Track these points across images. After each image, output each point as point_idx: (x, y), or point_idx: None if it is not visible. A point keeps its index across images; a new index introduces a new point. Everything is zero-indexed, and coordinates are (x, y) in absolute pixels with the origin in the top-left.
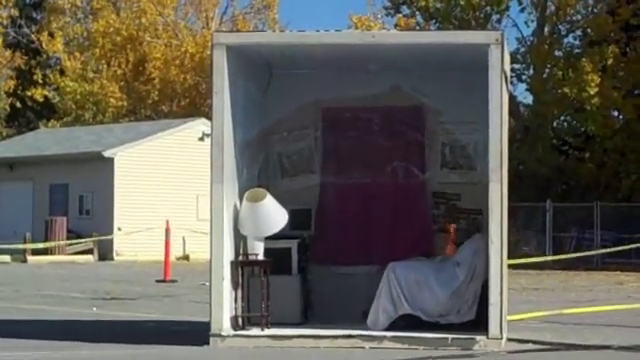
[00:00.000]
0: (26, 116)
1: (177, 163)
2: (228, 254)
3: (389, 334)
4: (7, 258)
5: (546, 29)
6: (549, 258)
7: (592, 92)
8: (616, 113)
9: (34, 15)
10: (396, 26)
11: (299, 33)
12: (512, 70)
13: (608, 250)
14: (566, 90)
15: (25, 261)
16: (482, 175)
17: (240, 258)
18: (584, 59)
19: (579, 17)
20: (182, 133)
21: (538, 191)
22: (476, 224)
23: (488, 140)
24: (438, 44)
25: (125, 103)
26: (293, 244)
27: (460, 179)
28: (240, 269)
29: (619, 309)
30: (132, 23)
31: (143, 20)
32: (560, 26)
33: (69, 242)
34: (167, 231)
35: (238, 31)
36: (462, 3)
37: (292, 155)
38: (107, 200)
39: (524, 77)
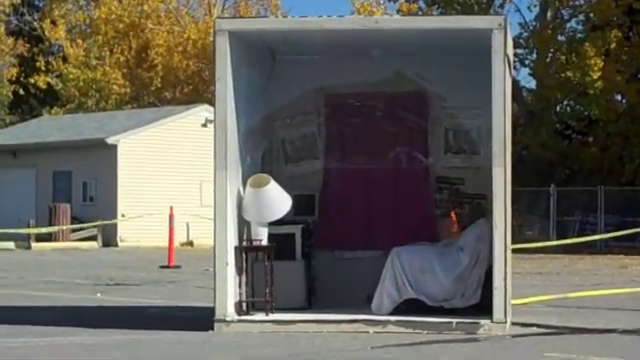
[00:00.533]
0: (29, 103)
1: (180, 150)
2: (232, 240)
3: (393, 318)
4: (11, 245)
5: (549, 14)
6: (553, 243)
7: (595, 76)
8: (619, 97)
9: (36, 3)
10: (398, 11)
11: (301, 19)
12: (515, 55)
13: (612, 235)
14: (569, 74)
15: (29, 248)
16: (486, 160)
17: (244, 244)
18: (587, 43)
19: (582, 1)
20: (185, 120)
21: (541, 176)
22: (480, 209)
23: (491, 125)
24: (441, 29)
25: (128, 90)
26: (297, 229)
27: (463, 164)
28: (244, 254)
29: (623, 293)
30: (134, 10)
31: (145, 7)
32: (563, 11)
33: (73, 227)
34: (171, 217)
35: (240, 17)
36: None
37: (295, 141)
38: (111, 187)
39: (527, 62)
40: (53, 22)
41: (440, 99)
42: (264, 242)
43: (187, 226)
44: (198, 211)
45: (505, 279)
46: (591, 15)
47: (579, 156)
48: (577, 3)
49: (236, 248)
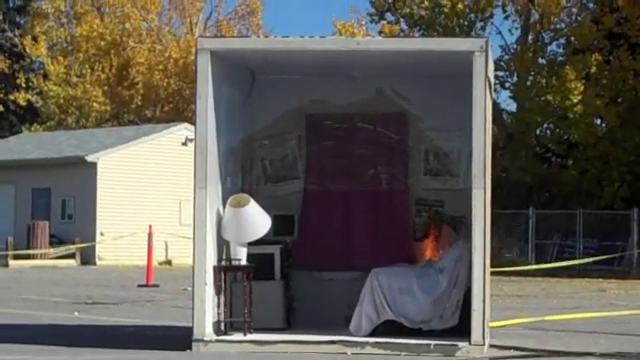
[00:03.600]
0: (9, 120)
1: (160, 168)
2: (211, 259)
3: (371, 340)
4: None
5: (530, 37)
6: (533, 267)
7: (575, 100)
8: (599, 121)
9: (18, 19)
10: (380, 33)
11: (283, 39)
12: (496, 77)
13: (591, 259)
14: (549, 98)
15: (7, 265)
16: (465, 182)
17: (223, 263)
18: (567, 67)
19: (563, 25)
20: (165, 138)
21: (521, 198)
22: (460, 228)
23: (471, 147)
24: (423, 51)
25: (108, 108)
26: (276, 250)
27: (443, 186)
28: (223, 274)
29: (601, 316)
30: (116, 28)
31: (127, 25)
32: (544, 34)
33: (53, 250)
34: (150, 236)
35: (222, 36)
36: (446, 10)
37: (276, 161)
38: (90, 205)
39: (507, 85)
40: (34, 39)
41: (420, 121)
42: (243, 262)
43: (166, 245)
44: (177, 230)
45: (484, 301)
46: (572, 39)
47: (558, 179)
48: (558, 27)
49: (215, 268)
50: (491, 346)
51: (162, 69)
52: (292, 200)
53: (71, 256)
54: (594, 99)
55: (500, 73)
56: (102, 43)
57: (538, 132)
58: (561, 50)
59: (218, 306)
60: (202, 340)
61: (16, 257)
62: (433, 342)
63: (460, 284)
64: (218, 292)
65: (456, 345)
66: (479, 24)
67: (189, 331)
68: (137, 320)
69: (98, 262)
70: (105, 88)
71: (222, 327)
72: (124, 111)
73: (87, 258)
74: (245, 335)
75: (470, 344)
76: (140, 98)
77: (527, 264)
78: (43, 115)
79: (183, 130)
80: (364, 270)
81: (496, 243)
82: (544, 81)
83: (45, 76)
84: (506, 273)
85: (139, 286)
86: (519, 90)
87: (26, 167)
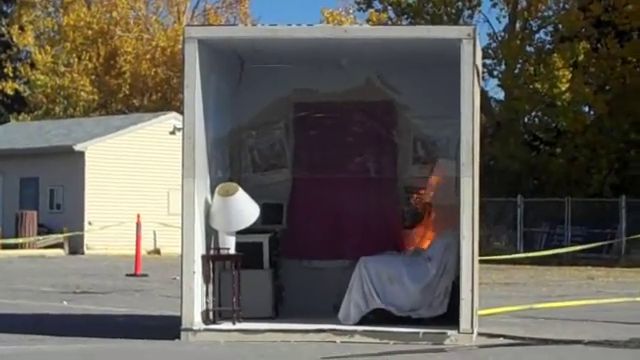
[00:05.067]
0: None
1: (148, 157)
2: (199, 248)
3: (360, 328)
4: None
5: (517, 25)
6: (521, 255)
7: (563, 88)
8: (587, 109)
9: (5, 8)
10: (368, 21)
11: (271, 27)
12: (483, 65)
13: (580, 247)
14: (537, 86)
15: None
16: (454, 170)
17: (211, 252)
18: (555, 55)
19: (550, 13)
20: (153, 127)
21: (509, 186)
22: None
23: (460, 135)
24: (411, 39)
25: (96, 97)
26: (265, 238)
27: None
28: (211, 263)
29: (589, 304)
30: (103, 17)
31: (114, 14)
32: (531, 22)
33: (40, 238)
34: (138, 225)
35: (210, 25)
36: None
37: (264, 150)
38: (78, 194)
39: (495, 73)
40: (21, 28)
41: (408, 109)
42: (231, 251)
43: (154, 234)
44: (165, 219)
45: (472, 289)
46: (559, 26)
47: (547, 167)
48: (546, 14)
49: (203, 257)
50: (480, 334)
51: (150, 58)
52: (281, 189)
53: (59, 245)
54: (582, 87)
55: (488, 61)
56: (89, 32)
57: (526, 120)
58: (549, 38)
59: (207, 295)
60: (191, 329)
61: (4, 247)
62: (422, 330)
63: (448, 272)
64: (207, 281)
65: (445, 333)
66: (467, 12)
67: (178, 320)
68: (126, 309)
69: (86, 251)
70: (93, 77)
71: (211, 316)
72: (112, 100)
73: (75, 247)
74: (234, 324)
75: (459, 332)
76: (128, 87)
77: (516, 252)
78: (31, 104)
79: (171, 119)
80: (353, 259)
81: (484, 231)
82: (532, 69)
83: (32, 65)
84: (495, 261)
85: (128, 275)
86: (507, 78)
87: (14, 157)
